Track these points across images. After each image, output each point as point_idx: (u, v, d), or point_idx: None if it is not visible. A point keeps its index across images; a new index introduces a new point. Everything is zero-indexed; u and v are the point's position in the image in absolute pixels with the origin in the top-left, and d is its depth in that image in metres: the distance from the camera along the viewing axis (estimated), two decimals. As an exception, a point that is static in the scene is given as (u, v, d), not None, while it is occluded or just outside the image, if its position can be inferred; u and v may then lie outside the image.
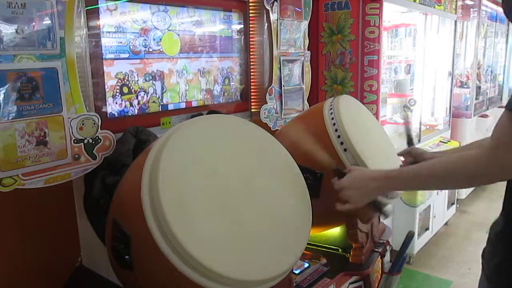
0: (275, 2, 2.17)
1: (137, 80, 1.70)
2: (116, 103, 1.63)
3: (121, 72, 1.64)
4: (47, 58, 1.27)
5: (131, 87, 1.68)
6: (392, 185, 1.24)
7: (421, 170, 1.15)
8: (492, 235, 1.19)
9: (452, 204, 4.13)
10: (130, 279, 1.15)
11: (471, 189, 4.81)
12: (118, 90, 1.63)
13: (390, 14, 3.31)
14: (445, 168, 1.10)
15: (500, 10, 5.49)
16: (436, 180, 1.12)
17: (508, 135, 0.97)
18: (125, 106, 1.67)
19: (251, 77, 2.22)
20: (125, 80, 1.65)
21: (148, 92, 1.75)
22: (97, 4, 1.52)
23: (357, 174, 1.27)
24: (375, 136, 1.91)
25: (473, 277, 3.12)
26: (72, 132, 1.36)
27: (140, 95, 1.72)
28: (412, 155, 1.51)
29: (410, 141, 1.64)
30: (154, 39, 1.75)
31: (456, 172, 1.06)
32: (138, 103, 1.72)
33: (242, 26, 2.16)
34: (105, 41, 1.56)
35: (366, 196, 1.26)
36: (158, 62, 1.78)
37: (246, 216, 1.15)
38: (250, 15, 2.16)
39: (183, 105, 1.91)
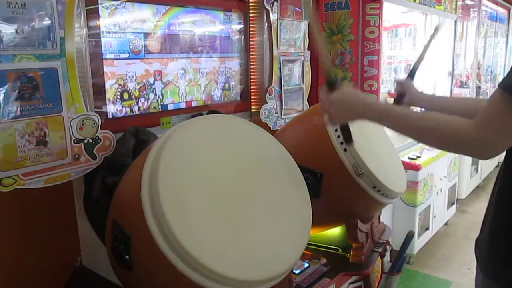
0: (275, 2, 2.17)
1: (137, 85, 1.69)
2: (117, 109, 1.64)
3: (121, 78, 1.63)
4: (47, 58, 1.27)
5: (132, 94, 1.68)
6: (379, 116, 1.17)
7: (412, 115, 1.12)
8: (485, 223, 1.19)
9: (452, 204, 4.13)
10: (130, 279, 1.15)
11: (471, 189, 4.81)
12: (118, 97, 1.63)
13: (390, 14, 3.31)
14: (435, 124, 1.06)
15: (500, 10, 5.49)
16: (423, 130, 1.09)
17: (497, 119, 0.95)
18: (125, 112, 1.67)
19: (251, 77, 2.22)
20: (125, 86, 1.65)
21: (148, 98, 1.75)
22: (97, 4, 1.52)
23: (349, 92, 1.21)
24: (375, 136, 1.91)
25: (473, 277, 3.11)
26: (72, 132, 1.36)
27: (140, 101, 1.72)
28: (403, 86, 1.58)
29: (412, 74, 1.68)
30: (154, 39, 1.75)
31: (443, 133, 1.04)
32: (139, 109, 1.72)
33: (242, 26, 2.15)
34: (105, 41, 1.56)
35: (348, 115, 1.22)
36: (158, 62, 1.78)
37: (246, 216, 1.15)
38: (250, 15, 2.16)
39: (183, 105, 1.91)
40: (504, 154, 1.09)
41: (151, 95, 1.76)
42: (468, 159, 4.46)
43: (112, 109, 1.62)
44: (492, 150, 0.98)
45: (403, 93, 1.60)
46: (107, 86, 1.58)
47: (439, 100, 1.62)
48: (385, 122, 1.16)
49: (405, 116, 1.11)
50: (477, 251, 1.21)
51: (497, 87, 0.97)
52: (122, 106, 1.65)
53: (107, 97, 1.58)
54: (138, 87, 1.70)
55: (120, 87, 1.63)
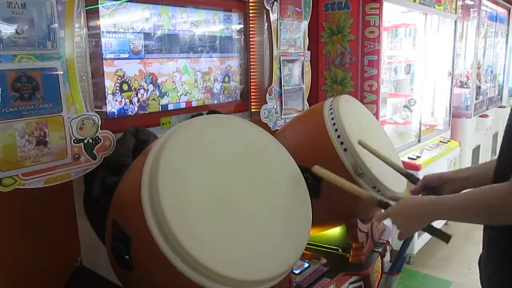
0: (275, 2, 2.17)
1: (137, 79, 1.70)
2: (116, 100, 1.63)
3: (121, 69, 1.63)
4: (47, 58, 1.27)
5: (131, 85, 1.68)
6: (442, 213, 1.14)
7: (471, 198, 1.06)
8: (486, 240, 1.17)
9: (452, 204, 4.12)
10: (130, 279, 1.15)
11: (471, 189, 4.79)
12: (118, 88, 1.63)
13: (390, 14, 3.31)
14: (480, 200, 1.02)
15: (500, 10, 5.49)
16: (479, 212, 1.04)
17: None
18: (125, 104, 1.67)
19: (251, 77, 2.22)
20: (125, 78, 1.65)
21: (148, 90, 1.75)
22: (97, 4, 1.52)
23: (407, 202, 1.20)
24: (375, 136, 1.91)
25: (472, 277, 3.12)
26: (72, 132, 1.36)
27: (140, 92, 1.72)
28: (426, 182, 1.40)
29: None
30: (154, 39, 1.75)
31: (484, 204, 1.01)
32: (138, 100, 1.72)
33: (242, 26, 2.16)
34: (105, 41, 1.56)
35: (415, 223, 1.18)
36: (158, 62, 1.78)
37: (246, 216, 1.15)
38: (250, 15, 2.16)
39: (183, 105, 1.91)
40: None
41: (151, 87, 1.76)
42: (468, 159, 4.45)
43: (111, 100, 1.61)
44: None
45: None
46: (106, 75, 1.58)
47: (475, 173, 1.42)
48: (456, 215, 1.13)
49: (476, 200, 1.05)
50: (481, 270, 1.20)
51: None
52: (122, 98, 1.65)
53: (106, 89, 1.58)
54: (138, 81, 1.71)
55: (119, 78, 1.63)
